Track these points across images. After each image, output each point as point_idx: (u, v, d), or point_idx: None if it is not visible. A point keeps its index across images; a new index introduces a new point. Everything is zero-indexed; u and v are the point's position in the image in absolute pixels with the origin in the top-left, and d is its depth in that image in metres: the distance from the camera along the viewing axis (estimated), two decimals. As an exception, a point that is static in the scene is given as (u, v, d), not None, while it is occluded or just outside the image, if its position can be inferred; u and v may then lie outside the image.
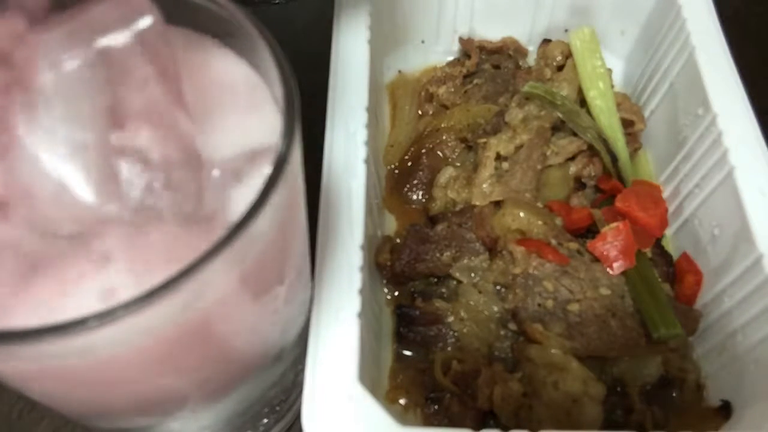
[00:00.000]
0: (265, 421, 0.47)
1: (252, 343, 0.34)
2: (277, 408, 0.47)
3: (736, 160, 0.49)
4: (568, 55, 0.62)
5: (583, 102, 0.60)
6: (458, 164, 0.60)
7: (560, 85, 0.60)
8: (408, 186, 0.61)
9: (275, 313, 0.34)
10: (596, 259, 0.51)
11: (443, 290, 0.53)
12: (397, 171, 0.62)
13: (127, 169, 0.26)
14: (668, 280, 0.53)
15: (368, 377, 0.42)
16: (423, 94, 0.67)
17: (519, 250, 0.50)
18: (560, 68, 0.62)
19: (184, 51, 0.31)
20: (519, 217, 0.53)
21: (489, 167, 0.56)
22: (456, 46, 0.70)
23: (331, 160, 0.49)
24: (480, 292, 0.51)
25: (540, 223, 0.52)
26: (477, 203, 0.55)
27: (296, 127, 0.28)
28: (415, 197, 0.60)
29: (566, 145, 0.57)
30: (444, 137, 0.62)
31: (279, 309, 0.34)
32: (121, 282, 0.25)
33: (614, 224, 0.51)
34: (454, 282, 0.53)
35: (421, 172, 0.61)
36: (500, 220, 0.53)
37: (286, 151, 0.27)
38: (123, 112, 0.27)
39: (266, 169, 0.27)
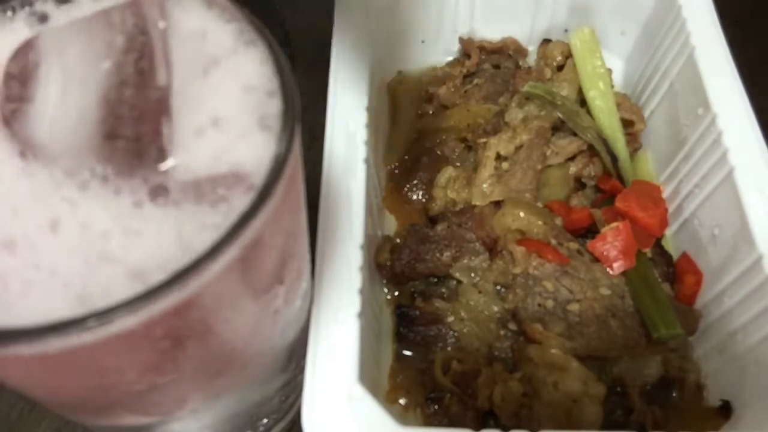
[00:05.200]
0: (265, 421, 0.47)
1: (252, 344, 0.34)
2: (277, 408, 0.47)
3: (736, 160, 0.49)
4: (568, 55, 0.62)
5: (583, 102, 0.60)
6: (458, 164, 0.60)
7: (560, 85, 0.60)
8: (408, 186, 0.61)
9: (276, 313, 0.34)
10: (596, 259, 0.51)
11: (443, 290, 0.53)
12: (397, 171, 0.62)
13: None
14: (668, 280, 0.53)
15: (368, 377, 0.42)
16: (423, 94, 0.67)
17: (519, 250, 0.50)
18: (560, 68, 0.62)
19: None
20: (519, 217, 0.53)
21: (489, 167, 0.56)
22: (456, 46, 0.70)
23: (331, 160, 0.49)
24: (480, 292, 0.51)
25: (540, 223, 0.52)
26: (477, 203, 0.55)
27: (296, 127, 0.28)
28: (415, 197, 0.60)
29: (566, 145, 0.57)
30: (444, 137, 0.62)
31: (279, 309, 0.34)
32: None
33: (614, 224, 0.51)
34: (454, 282, 0.53)
35: (421, 172, 0.61)
36: (500, 220, 0.53)
37: (286, 152, 0.27)
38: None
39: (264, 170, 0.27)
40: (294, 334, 0.40)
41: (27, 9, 0.31)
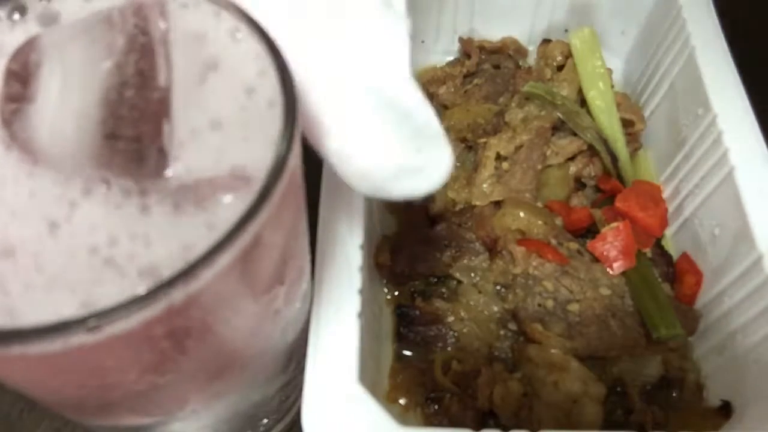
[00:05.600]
0: (265, 421, 0.47)
1: (252, 344, 0.34)
2: (277, 408, 0.47)
3: (736, 160, 0.49)
4: (568, 55, 0.62)
5: (583, 102, 0.60)
6: (458, 164, 0.60)
7: (560, 85, 0.60)
8: (408, 186, 0.61)
9: (276, 314, 0.34)
10: (596, 259, 0.51)
11: (443, 290, 0.53)
12: (397, 171, 0.62)
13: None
14: (668, 280, 0.53)
15: (368, 377, 0.42)
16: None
17: (519, 250, 0.50)
18: (560, 68, 0.62)
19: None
20: (519, 217, 0.53)
21: (489, 167, 0.56)
22: (456, 46, 0.70)
23: (331, 160, 0.49)
24: (480, 292, 0.51)
25: (540, 223, 0.52)
26: (477, 203, 0.55)
27: (296, 126, 0.28)
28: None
29: (566, 145, 0.57)
30: (444, 137, 0.62)
31: (280, 309, 0.34)
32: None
33: (614, 224, 0.51)
34: (454, 282, 0.53)
35: (421, 172, 0.61)
36: (500, 220, 0.53)
37: (286, 152, 0.27)
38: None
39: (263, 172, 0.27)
40: (294, 334, 0.40)
41: (34, 8, 0.31)
